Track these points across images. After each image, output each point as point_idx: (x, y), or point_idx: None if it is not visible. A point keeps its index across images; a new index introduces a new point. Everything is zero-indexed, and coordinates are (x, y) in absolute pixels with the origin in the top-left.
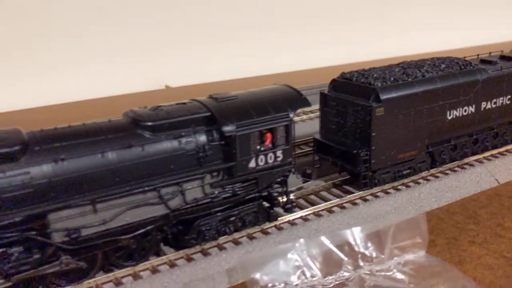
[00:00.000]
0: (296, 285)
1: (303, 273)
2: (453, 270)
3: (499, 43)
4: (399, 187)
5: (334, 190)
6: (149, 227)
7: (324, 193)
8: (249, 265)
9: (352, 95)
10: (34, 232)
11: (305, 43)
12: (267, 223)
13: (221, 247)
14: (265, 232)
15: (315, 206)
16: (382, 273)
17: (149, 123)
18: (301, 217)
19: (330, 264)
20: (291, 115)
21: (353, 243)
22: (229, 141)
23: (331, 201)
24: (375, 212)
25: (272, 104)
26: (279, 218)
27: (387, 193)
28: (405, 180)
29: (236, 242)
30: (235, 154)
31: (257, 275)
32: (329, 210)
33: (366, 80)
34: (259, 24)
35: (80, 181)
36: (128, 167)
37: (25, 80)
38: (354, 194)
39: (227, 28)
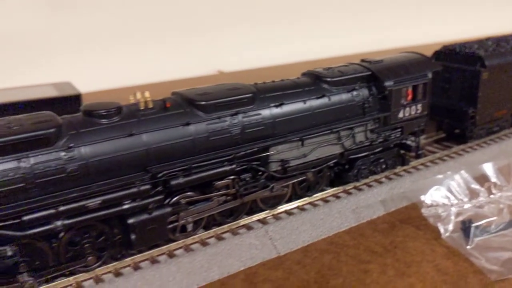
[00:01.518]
0: (451, 204)
1: (454, 196)
2: None
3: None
4: (488, 141)
5: (435, 145)
6: (330, 163)
7: (427, 147)
8: (417, 190)
9: (457, 63)
10: (258, 162)
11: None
12: (399, 167)
13: (369, 185)
14: (397, 174)
15: (429, 156)
16: (511, 198)
17: (329, 79)
18: (421, 164)
19: (470, 191)
20: (429, 75)
21: (486, 175)
22: (385, 94)
23: (440, 152)
24: (476, 160)
25: (414, 66)
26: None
27: (481, 146)
28: (492, 136)
29: (380, 182)
30: (390, 106)
31: (423, 197)
32: (442, 159)
33: (470, 50)
34: (310, 8)
35: (292, 122)
36: (320, 113)
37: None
38: (458, 147)
39: (280, 11)
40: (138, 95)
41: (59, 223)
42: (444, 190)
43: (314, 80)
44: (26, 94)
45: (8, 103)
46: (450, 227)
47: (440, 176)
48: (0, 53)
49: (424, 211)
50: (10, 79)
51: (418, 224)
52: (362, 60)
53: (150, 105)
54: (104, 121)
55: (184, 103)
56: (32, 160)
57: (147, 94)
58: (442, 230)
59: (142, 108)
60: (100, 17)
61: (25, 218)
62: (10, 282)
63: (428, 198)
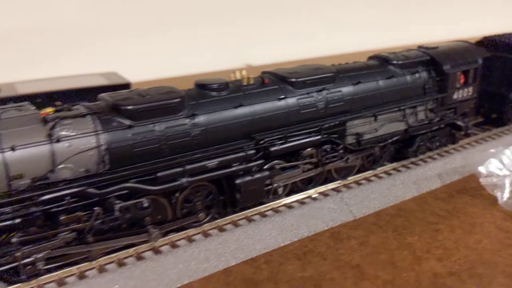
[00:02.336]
0: (505, 175)
1: (506, 168)
2: None
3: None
4: None
5: (474, 128)
6: (395, 138)
7: None
8: (471, 165)
9: (498, 51)
10: (335, 135)
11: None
12: (449, 145)
13: (424, 161)
14: (448, 152)
15: (473, 137)
16: None
17: (395, 62)
18: (467, 143)
19: None
20: (479, 61)
21: None
22: (443, 77)
23: (482, 134)
24: None
25: (466, 52)
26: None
27: None
28: None
29: (433, 158)
30: (447, 88)
31: (481, 168)
32: (484, 139)
33: (510, 40)
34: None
35: (366, 99)
36: (388, 92)
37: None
38: (497, 129)
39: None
40: (237, 74)
41: (184, 180)
42: (497, 163)
43: (382, 63)
44: (80, 82)
45: (64, 90)
46: (506, 194)
47: (492, 150)
48: (45, 43)
49: (482, 180)
50: (57, 68)
51: (474, 194)
52: (420, 47)
53: (251, 81)
54: (215, 93)
55: (277, 80)
56: (163, 125)
57: (244, 72)
58: (499, 197)
59: (245, 84)
60: (131, 12)
61: (159, 174)
62: (137, 233)
63: (484, 169)
